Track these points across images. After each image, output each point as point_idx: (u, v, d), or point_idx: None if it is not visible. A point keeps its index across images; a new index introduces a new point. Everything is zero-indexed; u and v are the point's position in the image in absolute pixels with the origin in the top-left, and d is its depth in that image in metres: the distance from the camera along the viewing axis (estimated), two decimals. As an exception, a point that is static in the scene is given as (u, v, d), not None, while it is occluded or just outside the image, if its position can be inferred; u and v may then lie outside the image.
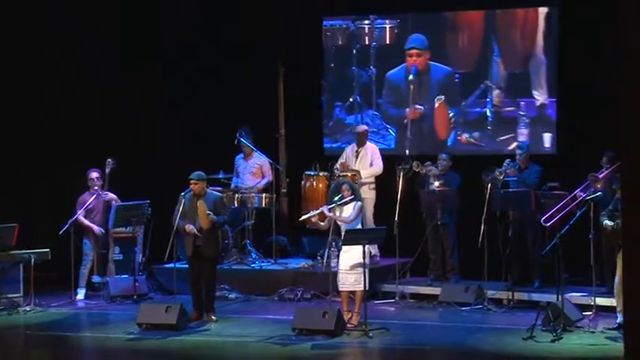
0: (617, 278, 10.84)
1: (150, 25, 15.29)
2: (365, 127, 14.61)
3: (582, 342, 10.53)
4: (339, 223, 11.46)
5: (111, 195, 13.86)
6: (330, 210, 11.47)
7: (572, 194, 12.07)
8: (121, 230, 13.90)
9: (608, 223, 10.88)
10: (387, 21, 16.10)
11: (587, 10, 13.44)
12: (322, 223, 11.73)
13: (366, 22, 16.19)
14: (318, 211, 11.77)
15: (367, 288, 11.34)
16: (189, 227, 11.85)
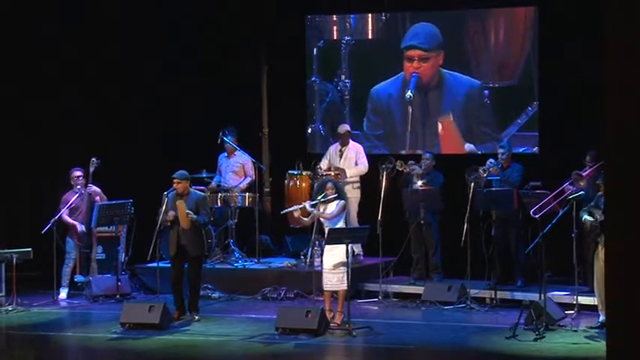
0: (596, 277, 10.89)
1: (134, 24, 15.24)
2: (347, 127, 13.84)
3: (564, 341, 10.55)
4: (321, 219, 11.45)
5: (95, 188, 13.78)
6: (312, 206, 11.47)
7: (561, 188, 12.06)
8: (103, 229, 13.86)
9: (587, 218, 10.89)
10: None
11: (567, 8, 13.44)
12: (305, 219, 11.70)
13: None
14: (301, 206, 11.76)
15: (347, 287, 11.31)
16: (170, 213, 11.78)
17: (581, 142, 12.54)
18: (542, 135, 14.11)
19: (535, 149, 13.40)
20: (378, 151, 12.50)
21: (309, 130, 12.44)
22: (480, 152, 13.67)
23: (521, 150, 13.19)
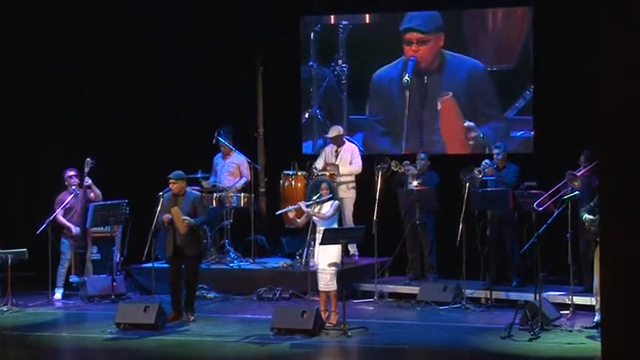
0: (596, 277, 10.87)
1: (129, 24, 15.22)
2: (339, 129, 13.69)
3: (560, 341, 10.57)
4: (315, 219, 11.45)
5: (96, 191, 13.73)
6: (307, 206, 11.47)
7: (562, 182, 12.03)
8: (98, 230, 13.85)
9: (588, 216, 10.87)
10: None
11: (563, 9, 13.42)
12: (299, 220, 11.72)
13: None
14: (296, 207, 11.76)
15: (337, 287, 11.28)
16: (166, 216, 11.77)
17: (576, 142, 12.53)
18: (537, 135, 14.02)
19: (532, 133, 13.30)
20: (382, 138, 12.24)
21: (307, 115, 12.30)
22: (481, 135, 13.40)
23: (519, 134, 13.07)
